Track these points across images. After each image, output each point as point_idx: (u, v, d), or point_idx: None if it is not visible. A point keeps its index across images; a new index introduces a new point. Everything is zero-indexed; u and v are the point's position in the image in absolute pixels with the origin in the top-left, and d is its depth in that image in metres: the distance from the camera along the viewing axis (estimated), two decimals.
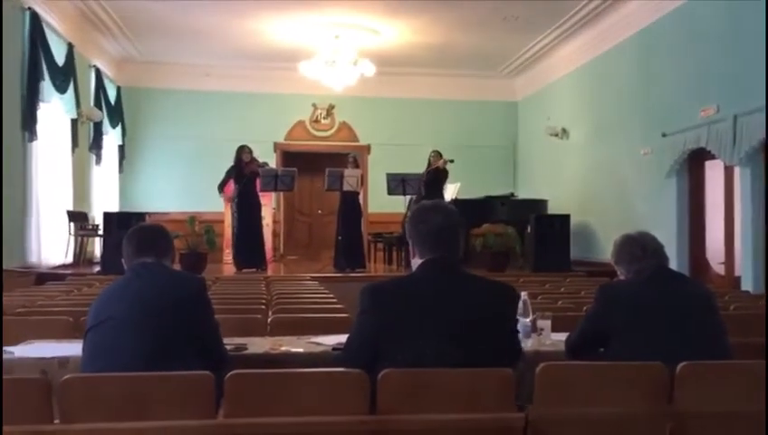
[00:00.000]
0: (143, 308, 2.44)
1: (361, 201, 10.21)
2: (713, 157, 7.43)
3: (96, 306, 2.56)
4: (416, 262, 2.39)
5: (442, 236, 2.36)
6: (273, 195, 11.17)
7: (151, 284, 2.54)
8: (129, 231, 2.77)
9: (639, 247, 2.81)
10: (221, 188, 9.64)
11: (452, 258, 2.37)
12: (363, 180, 10.10)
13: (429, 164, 9.81)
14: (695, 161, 8.01)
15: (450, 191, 10.08)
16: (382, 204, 11.35)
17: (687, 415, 2.28)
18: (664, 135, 8.19)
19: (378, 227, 11.87)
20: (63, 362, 2.75)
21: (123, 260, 2.71)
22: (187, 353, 2.39)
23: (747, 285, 6.78)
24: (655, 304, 2.64)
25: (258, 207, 9.57)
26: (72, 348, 2.89)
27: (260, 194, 9.62)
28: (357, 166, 9.79)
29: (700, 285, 3.09)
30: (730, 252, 7.41)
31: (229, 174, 9.40)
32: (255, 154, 9.58)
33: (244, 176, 9.27)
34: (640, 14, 8.88)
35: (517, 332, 2.49)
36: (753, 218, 6.82)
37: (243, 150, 9.44)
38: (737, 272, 7.19)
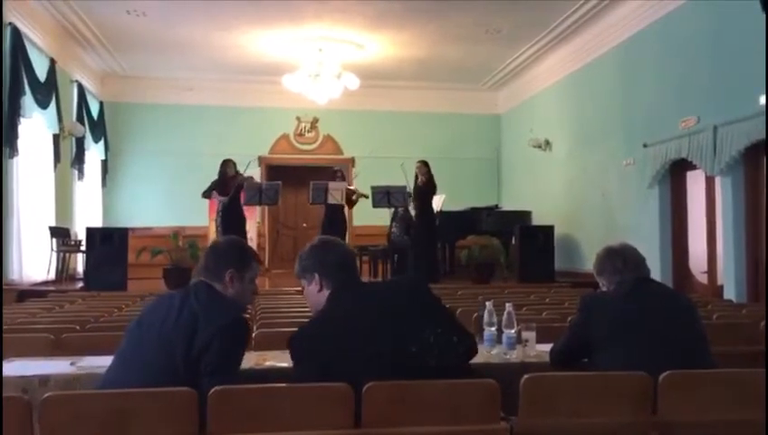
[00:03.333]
0: (156, 338, 2.32)
1: (346, 214, 10.21)
2: (694, 167, 7.51)
3: (143, 310, 2.51)
4: (323, 295, 2.44)
5: (347, 264, 2.50)
6: (257, 209, 11.15)
7: (179, 313, 2.35)
8: None
9: (621, 260, 2.84)
10: (206, 195, 9.52)
11: (356, 281, 2.51)
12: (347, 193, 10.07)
13: (416, 176, 9.83)
14: (676, 172, 8.08)
15: (436, 203, 10.10)
16: (367, 217, 11.35)
17: (671, 424, 2.29)
18: (645, 146, 8.26)
19: (363, 240, 11.85)
20: (44, 380, 2.71)
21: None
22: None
23: (730, 293, 6.84)
24: (637, 315, 2.66)
25: (243, 221, 9.51)
26: (53, 366, 2.86)
27: (244, 208, 9.57)
28: (343, 179, 9.82)
29: (681, 296, 3.11)
30: (712, 261, 7.47)
31: (213, 186, 9.34)
32: (240, 168, 9.54)
33: (227, 190, 9.21)
34: (622, 27, 8.98)
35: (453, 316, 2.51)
36: (735, 228, 6.89)
37: (227, 164, 9.38)
38: (720, 281, 7.25)
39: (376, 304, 2.37)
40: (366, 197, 10.01)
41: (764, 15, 5.50)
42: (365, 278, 10.63)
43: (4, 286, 7.68)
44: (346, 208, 10.08)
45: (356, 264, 2.52)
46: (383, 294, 2.50)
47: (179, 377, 2.22)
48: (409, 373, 2.20)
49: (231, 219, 9.24)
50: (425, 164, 9.75)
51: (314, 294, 2.47)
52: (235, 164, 9.45)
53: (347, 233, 9.97)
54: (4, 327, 4.16)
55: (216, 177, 9.41)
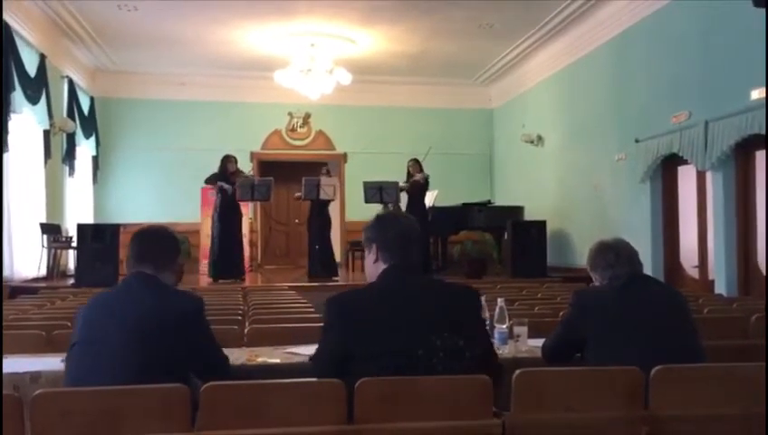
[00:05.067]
0: (128, 331, 2.31)
1: (332, 209, 10.18)
2: (685, 162, 7.53)
3: (84, 318, 2.44)
4: (377, 267, 2.44)
5: (407, 241, 2.45)
6: (249, 205, 11.12)
7: (141, 303, 2.39)
8: (135, 233, 2.65)
9: (613, 254, 2.85)
10: (210, 181, 9.46)
11: (415, 263, 2.46)
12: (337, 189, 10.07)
13: (409, 174, 9.84)
14: (668, 166, 8.11)
15: (428, 199, 10.11)
16: (359, 212, 11.33)
17: (663, 419, 2.30)
18: (637, 141, 8.28)
19: (356, 236, 11.85)
20: (35, 376, 2.70)
21: (126, 263, 2.59)
22: (177, 379, 2.24)
23: (721, 288, 6.88)
24: (629, 310, 2.67)
25: (239, 217, 9.52)
26: (45, 363, 2.85)
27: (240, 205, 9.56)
28: (329, 175, 9.82)
29: (673, 290, 3.12)
30: (703, 256, 7.51)
31: (213, 178, 9.30)
32: (238, 166, 9.53)
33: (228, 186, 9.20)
34: (613, 23, 8.99)
35: (488, 336, 2.52)
36: (726, 222, 6.92)
37: (228, 160, 9.37)
38: (711, 275, 7.28)
39: (417, 296, 2.35)
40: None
41: (763, 10, 5.52)
42: (360, 275, 10.69)
43: None
44: (331, 204, 10.05)
45: (414, 245, 2.47)
46: (430, 289, 2.44)
47: (154, 373, 2.21)
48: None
49: (229, 215, 9.23)
50: (417, 162, 9.77)
51: (370, 265, 2.48)
52: (236, 160, 9.44)
53: (331, 228, 9.96)
54: None
55: (208, 172, 9.39)
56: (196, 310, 2.47)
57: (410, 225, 2.50)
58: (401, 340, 2.24)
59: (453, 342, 2.27)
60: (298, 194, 10.28)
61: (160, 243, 2.59)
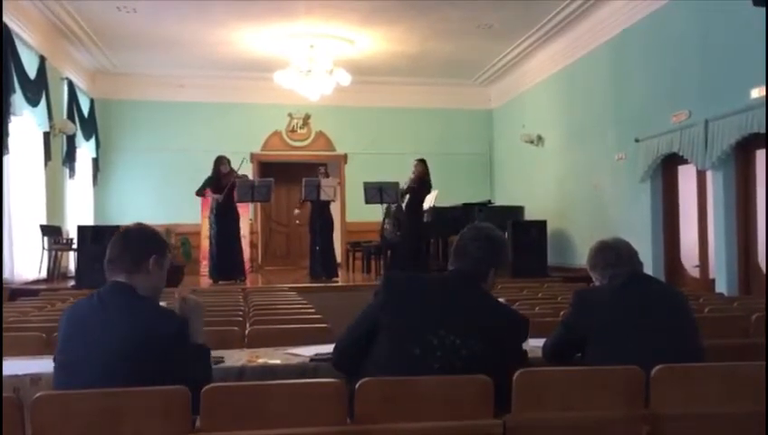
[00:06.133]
0: (107, 352, 2.22)
1: (333, 210, 10.17)
2: (686, 161, 7.53)
3: (63, 331, 2.37)
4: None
5: (461, 250, 2.57)
6: (249, 206, 11.12)
7: (118, 321, 2.27)
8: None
9: (614, 254, 2.85)
10: (200, 193, 9.51)
11: (471, 273, 2.52)
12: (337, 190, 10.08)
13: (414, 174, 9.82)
14: (668, 166, 8.10)
15: (428, 199, 10.10)
16: (360, 213, 11.34)
17: (664, 418, 2.30)
18: (637, 140, 8.28)
19: (356, 236, 11.89)
20: (36, 379, 2.69)
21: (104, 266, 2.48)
22: None
23: (721, 287, 6.87)
24: (629, 309, 2.67)
25: (236, 218, 9.50)
26: (45, 365, 2.83)
27: (237, 205, 9.55)
28: (327, 177, 9.82)
29: (673, 289, 3.12)
30: (704, 255, 7.50)
31: (207, 183, 9.31)
32: (233, 165, 9.52)
33: (222, 187, 9.19)
34: (612, 23, 8.99)
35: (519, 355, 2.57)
36: (726, 222, 6.92)
37: (221, 162, 9.36)
38: (711, 274, 7.28)
39: (443, 296, 2.45)
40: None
41: (763, 9, 5.52)
42: (360, 275, 10.69)
43: None
44: (333, 205, 10.05)
45: (470, 255, 2.53)
46: (465, 296, 2.47)
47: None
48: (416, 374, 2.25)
49: (225, 216, 9.23)
50: (421, 162, 9.74)
51: None
52: (229, 161, 9.44)
53: (333, 229, 9.96)
54: None
55: (208, 173, 9.39)
56: (179, 331, 2.31)
57: (472, 239, 2.58)
58: (420, 330, 2.33)
59: (450, 341, 2.31)
60: (297, 211, 10.25)
61: (133, 240, 2.45)
